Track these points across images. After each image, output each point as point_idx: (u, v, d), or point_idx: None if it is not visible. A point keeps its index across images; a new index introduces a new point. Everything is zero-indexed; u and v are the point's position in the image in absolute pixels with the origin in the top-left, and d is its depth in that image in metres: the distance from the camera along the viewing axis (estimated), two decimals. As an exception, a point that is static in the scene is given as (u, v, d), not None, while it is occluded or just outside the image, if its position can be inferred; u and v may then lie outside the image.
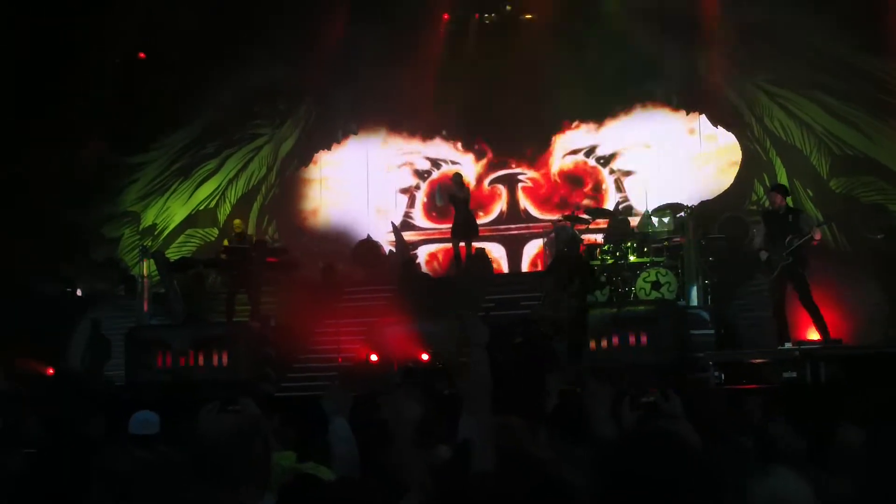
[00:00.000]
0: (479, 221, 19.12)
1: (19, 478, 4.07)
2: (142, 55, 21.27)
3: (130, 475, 3.55)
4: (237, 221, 18.95)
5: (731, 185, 19.27)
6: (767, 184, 18.51)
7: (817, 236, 13.23)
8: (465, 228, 18.04)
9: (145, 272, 17.81)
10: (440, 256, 20.79)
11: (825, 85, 18.49)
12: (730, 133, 19.47)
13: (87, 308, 18.36)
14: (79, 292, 19.28)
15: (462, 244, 18.19)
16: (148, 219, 21.92)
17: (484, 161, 21.14)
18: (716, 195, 19.04)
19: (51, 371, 16.54)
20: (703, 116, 19.60)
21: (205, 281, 19.05)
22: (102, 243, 21.43)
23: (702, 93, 19.41)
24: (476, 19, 21.14)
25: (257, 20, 20.58)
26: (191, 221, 21.87)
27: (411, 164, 21.59)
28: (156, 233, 21.78)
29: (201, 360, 15.69)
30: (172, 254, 20.09)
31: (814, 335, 13.29)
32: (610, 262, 15.77)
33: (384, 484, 3.73)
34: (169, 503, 3.36)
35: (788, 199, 14.29)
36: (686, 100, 19.73)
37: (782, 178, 18.56)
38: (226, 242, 18.36)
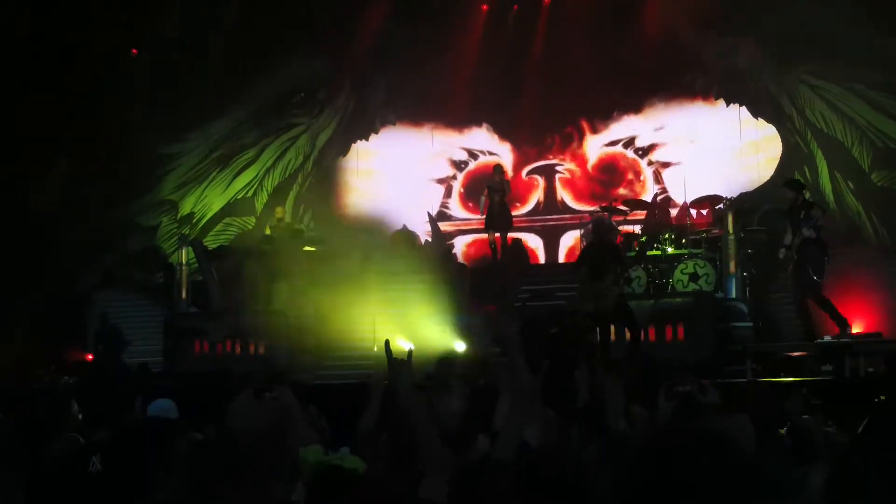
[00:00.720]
0: (516, 212, 19.06)
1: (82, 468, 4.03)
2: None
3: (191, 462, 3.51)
4: (279, 209, 19.00)
5: (772, 177, 19.08)
6: (808, 176, 18.31)
7: (807, 234, 12.86)
8: (499, 219, 17.97)
9: (184, 260, 17.90)
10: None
11: (867, 77, 18.25)
12: (770, 125, 19.28)
13: (92, 299, 18.44)
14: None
15: (498, 235, 18.14)
16: (186, 207, 22.02)
17: (521, 151, 21.07)
18: (755, 187, 18.87)
19: (90, 357, 16.70)
20: (744, 108, 19.42)
21: (242, 269, 19.09)
22: (141, 231, 21.57)
23: (742, 84, 19.23)
24: (515, 10, 21.05)
25: (297, 11, 20.60)
26: (228, 210, 21.97)
27: (448, 154, 21.56)
28: (193, 221, 21.88)
29: (238, 349, 15.80)
30: (210, 242, 20.17)
31: (856, 329, 13.15)
32: (655, 252, 15.69)
33: (410, 472, 3.72)
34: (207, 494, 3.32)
35: (805, 192, 13.99)
36: (726, 91, 19.55)
37: (823, 171, 18.36)
38: (268, 230, 18.37)
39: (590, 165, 20.66)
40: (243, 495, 3.09)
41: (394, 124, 21.75)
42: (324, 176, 21.95)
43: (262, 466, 3.12)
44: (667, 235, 15.87)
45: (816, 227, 12.74)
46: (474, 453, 4.31)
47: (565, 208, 20.68)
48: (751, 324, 14.29)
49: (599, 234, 14.02)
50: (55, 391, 11.50)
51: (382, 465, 4.50)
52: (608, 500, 3.07)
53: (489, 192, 18.05)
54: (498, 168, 18.56)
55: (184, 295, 17.35)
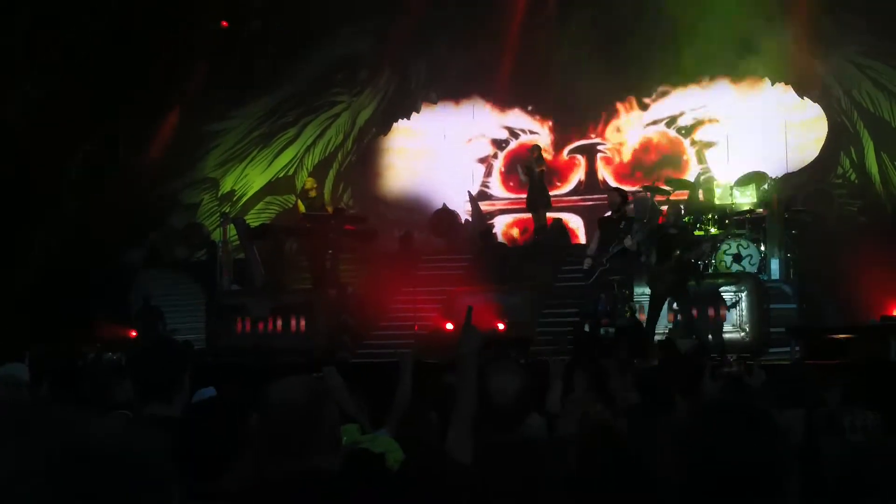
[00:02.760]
0: (556, 192, 18.97)
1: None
2: (224, 24, 21.38)
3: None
4: (310, 180, 18.79)
5: (817, 157, 18.87)
6: (854, 157, 18.11)
7: (629, 245, 12.51)
8: (537, 199, 17.88)
9: (226, 238, 17.97)
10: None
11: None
12: (816, 104, 19.05)
13: (136, 278, 18.51)
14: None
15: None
16: (226, 185, 22.12)
17: (562, 130, 20.95)
18: (800, 167, 18.67)
19: (133, 334, 16.83)
20: (789, 87, 19.19)
21: (283, 248, 19.16)
22: (183, 209, 21.69)
23: (788, 63, 18.98)
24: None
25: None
26: (269, 188, 22.03)
27: (489, 133, 21.49)
28: (234, 199, 21.99)
29: (279, 327, 15.86)
30: (252, 220, 20.24)
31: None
32: (698, 233, 15.57)
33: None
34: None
35: (628, 203, 13.60)
36: (772, 70, 19.32)
37: (869, 151, 18.19)
38: (301, 207, 18.34)
39: (632, 144, 20.50)
40: (283, 465, 3.11)
41: (435, 103, 21.69)
42: (364, 154, 21.95)
43: (298, 440, 3.14)
44: (710, 216, 15.73)
45: (638, 242, 12.42)
46: (522, 433, 4.31)
47: (607, 188, 20.55)
48: (795, 305, 14.16)
49: (652, 217, 13.89)
50: (100, 367, 11.62)
51: (429, 442, 4.49)
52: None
53: (525, 171, 17.94)
54: (535, 148, 18.46)
55: (226, 273, 17.42)
